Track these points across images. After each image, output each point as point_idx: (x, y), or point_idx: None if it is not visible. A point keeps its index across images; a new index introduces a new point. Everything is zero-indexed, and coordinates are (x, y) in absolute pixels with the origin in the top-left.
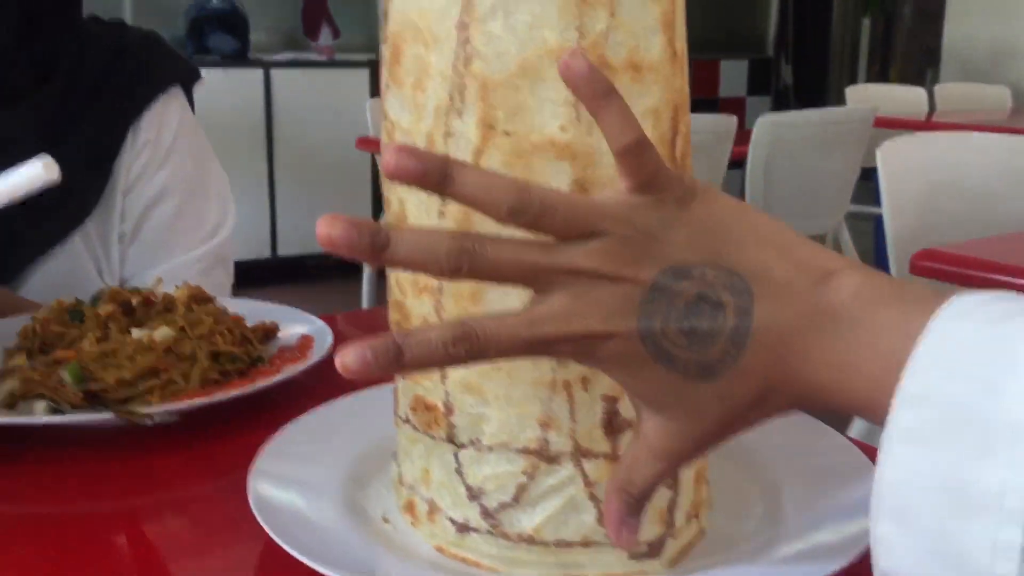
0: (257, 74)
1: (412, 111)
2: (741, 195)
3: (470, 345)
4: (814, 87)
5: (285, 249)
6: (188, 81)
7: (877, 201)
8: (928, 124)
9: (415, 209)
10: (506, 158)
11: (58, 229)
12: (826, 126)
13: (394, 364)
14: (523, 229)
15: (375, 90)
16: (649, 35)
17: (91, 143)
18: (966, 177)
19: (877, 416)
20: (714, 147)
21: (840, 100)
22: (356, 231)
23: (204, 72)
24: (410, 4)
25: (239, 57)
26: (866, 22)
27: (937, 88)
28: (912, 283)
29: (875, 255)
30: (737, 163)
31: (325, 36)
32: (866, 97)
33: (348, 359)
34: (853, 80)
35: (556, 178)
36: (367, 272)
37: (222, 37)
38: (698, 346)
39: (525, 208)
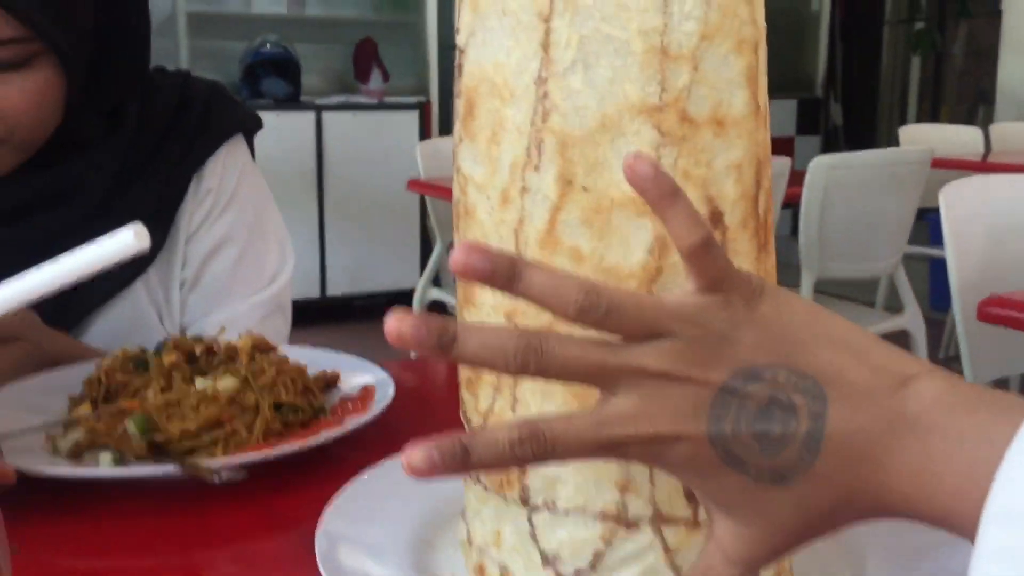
0: (309, 117)
1: (486, 165)
2: (794, 236)
3: (537, 446)
4: (864, 127)
5: (334, 289)
6: (250, 129)
7: (931, 241)
8: (986, 165)
9: None
10: (585, 214)
11: (121, 276)
12: (882, 168)
13: (461, 465)
14: (591, 328)
15: (424, 132)
16: (733, 89)
17: (156, 191)
18: None
19: (960, 528)
20: None
21: (890, 140)
22: (425, 328)
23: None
24: (486, 58)
25: (291, 100)
26: (916, 61)
27: (992, 128)
28: (995, 390)
29: (930, 296)
30: (788, 204)
31: (375, 79)
32: (919, 137)
33: (415, 459)
34: (903, 119)
35: (636, 235)
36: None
37: (275, 81)
38: (770, 451)
39: (593, 308)
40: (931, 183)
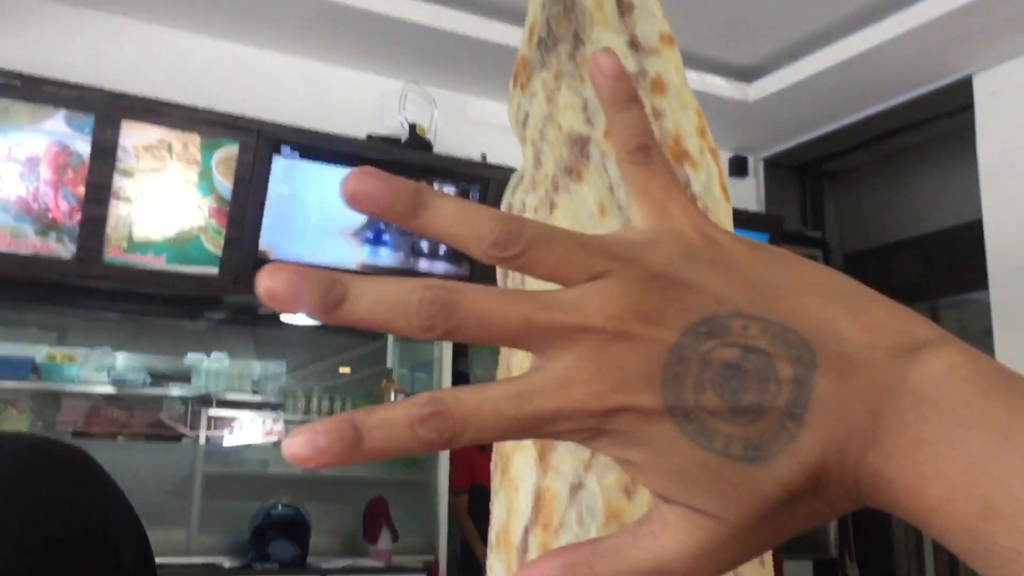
0: None
1: None
2: None
3: (442, 424)
4: None
5: None
6: None
7: None
8: None
9: None
10: None
11: None
12: None
13: (351, 450)
14: (512, 268)
15: None
16: None
17: None
18: None
19: (946, 532)
20: None
21: None
22: (305, 283)
23: None
24: None
25: (297, 564)
26: None
27: None
28: None
29: None
30: None
31: (384, 540)
32: None
33: (296, 446)
34: (922, 570)
35: None
36: None
37: (283, 544)
38: (743, 419)
39: (512, 239)
40: None
